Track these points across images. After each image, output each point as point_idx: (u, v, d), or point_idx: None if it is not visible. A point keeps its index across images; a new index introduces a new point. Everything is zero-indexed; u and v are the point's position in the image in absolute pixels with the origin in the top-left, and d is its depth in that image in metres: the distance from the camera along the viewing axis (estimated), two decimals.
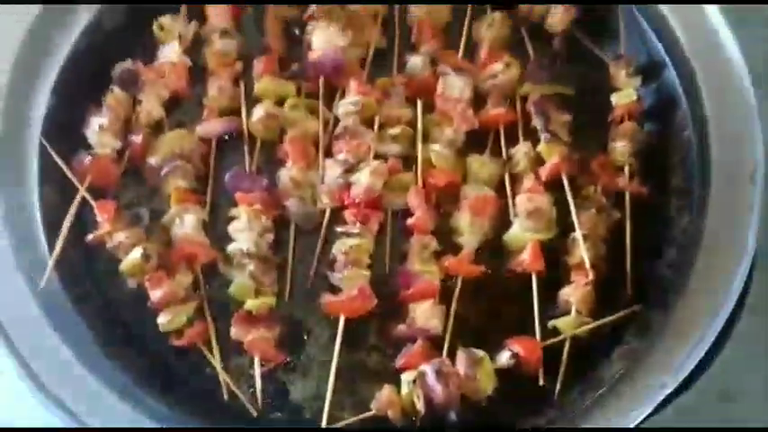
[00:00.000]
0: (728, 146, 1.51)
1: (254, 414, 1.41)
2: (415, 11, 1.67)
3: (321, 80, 1.59)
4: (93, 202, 1.47)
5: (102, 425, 1.33)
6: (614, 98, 1.59)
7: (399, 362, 1.42)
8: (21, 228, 1.46)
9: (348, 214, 1.50)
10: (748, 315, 1.55)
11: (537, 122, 1.57)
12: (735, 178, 1.48)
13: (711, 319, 1.38)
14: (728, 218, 1.46)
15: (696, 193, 1.49)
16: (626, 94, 1.58)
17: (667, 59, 1.58)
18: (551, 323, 1.44)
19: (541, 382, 1.40)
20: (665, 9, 1.59)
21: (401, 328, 1.45)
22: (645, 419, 1.33)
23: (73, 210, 1.46)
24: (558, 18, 1.65)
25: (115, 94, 1.56)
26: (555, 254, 1.50)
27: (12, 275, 1.42)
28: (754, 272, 1.54)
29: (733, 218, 1.46)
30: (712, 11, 1.57)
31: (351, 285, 1.44)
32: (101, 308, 1.46)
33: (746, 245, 1.43)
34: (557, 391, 1.40)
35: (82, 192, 1.47)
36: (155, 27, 1.63)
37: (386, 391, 1.38)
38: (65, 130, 1.54)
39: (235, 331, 1.43)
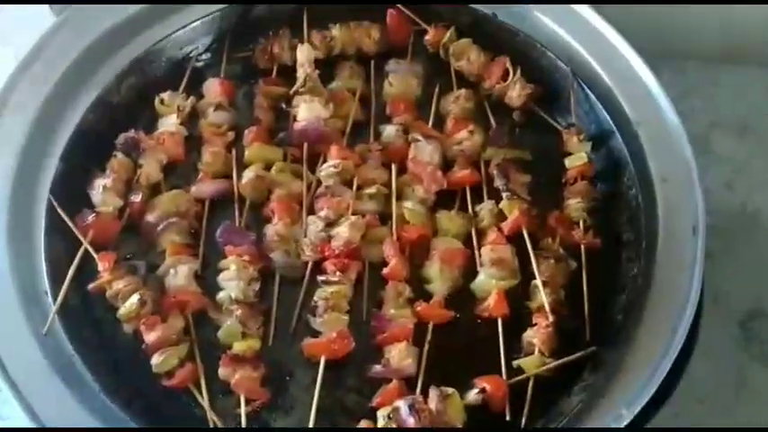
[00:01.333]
0: (672, 202, 1.69)
1: None
2: (389, 89, 1.87)
3: (305, 147, 1.76)
4: (95, 254, 1.61)
5: None
6: (568, 161, 1.77)
7: (376, 400, 1.52)
8: (26, 278, 1.60)
9: (329, 264, 1.63)
10: (700, 358, 1.68)
11: (499, 183, 1.73)
12: (678, 231, 1.65)
13: (661, 358, 1.51)
14: (674, 267, 1.62)
15: (644, 245, 1.64)
16: (578, 157, 1.76)
17: (614, 127, 1.77)
18: (516, 363, 1.55)
19: (507, 417, 1.50)
20: (610, 82, 1.81)
21: (377, 368, 1.55)
22: None
23: (76, 261, 1.59)
24: (516, 93, 1.85)
25: (118, 159, 1.72)
26: (518, 299, 1.63)
27: (17, 320, 1.54)
28: (702, 318, 1.69)
29: (678, 267, 1.61)
30: (652, 83, 1.78)
31: (331, 328, 1.56)
32: (99, 352, 1.56)
33: (691, 291, 1.57)
34: (522, 425, 1.50)
35: (85, 245, 1.61)
36: (156, 102, 1.81)
37: (362, 426, 1.48)
38: (71, 192, 1.69)
39: (222, 372, 1.53)
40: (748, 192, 1.89)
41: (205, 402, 1.52)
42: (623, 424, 1.44)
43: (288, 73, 1.89)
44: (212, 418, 1.51)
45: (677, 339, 1.53)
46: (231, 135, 1.81)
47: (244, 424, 1.50)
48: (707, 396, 1.63)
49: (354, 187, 1.73)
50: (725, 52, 2.19)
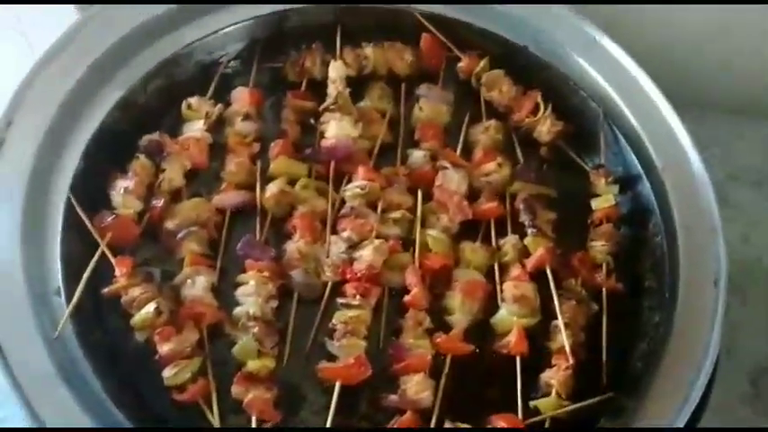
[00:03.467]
0: (695, 254, 1.68)
1: None
2: (419, 113, 1.85)
3: (332, 165, 1.74)
4: (112, 258, 1.56)
5: None
6: (594, 203, 1.76)
7: None
8: (37, 278, 1.55)
9: (349, 287, 1.60)
10: (711, 414, 1.67)
11: (524, 218, 1.72)
12: (700, 283, 1.65)
13: (679, 409, 1.49)
14: (695, 318, 1.61)
15: (666, 294, 1.64)
16: (605, 199, 1.75)
17: (642, 171, 1.76)
18: (533, 403, 1.53)
19: None
20: (640, 128, 1.81)
21: (393, 398, 1.52)
22: None
23: (93, 263, 1.54)
24: (545, 128, 1.84)
25: (141, 161, 1.68)
26: (537, 339, 1.61)
27: (26, 322, 1.49)
28: (716, 372, 1.68)
29: (699, 319, 1.60)
30: (680, 130, 1.78)
31: (348, 353, 1.53)
32: (109, 360, 1.51)
33: (710, 344, 1.57)
34: None
35: (102, 247, 1.56)
36: (183, 106, 1.78)
37: None
38: (90, 192, 1.64)
39: (235, 390, 1.49)
40: (765, 245, 1.90)
41: (215, 420, 1.48)
42: None
43: (316, 88, 1.86)
44: None
45: (695, 392, 1.52)
46: (257, 146, 1.77)
47: None
48: None
49: (379, 210, 1.70)
50: (744, 104, 2.22)
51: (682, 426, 1.48)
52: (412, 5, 1.92)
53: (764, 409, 1.71)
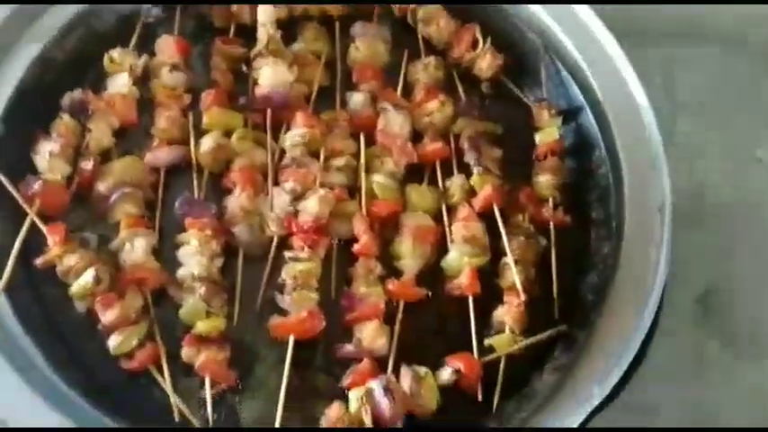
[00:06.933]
0: (639, 183, 1.69)
1: None
2: (356, 53, 1.79)
3: (269, 113, 1.66)
4: (42, 226, 1.48)
5: None
6: (538, 137, 1.74)
7: (346, 380, 1.48)
8: None
9: (296, 240, 1.56)
10: (660, 334, 1.71)
11: (470, 157, 1.69)
12: (645, 212, 1.65)
13: (630, 336, 1.52)
14: (641, 247, 1.62)
15: (612, 224, 1.65)
16: (548, 133, 1.73)
17: (585, 104, 1.75)
18: (487, 341, 1.54)
19: (480, 397, 1.49)
20: (581, 59, 1.78)
21: (348, 348, 1.51)
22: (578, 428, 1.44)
23: (22, 234, 1.46)
24: (486, 63, 1.80)
25: (65, 121, 1.58)
26: (489, 277, 1.61)
27: None
28: (665, 296, 1.71)
29: (645, 246, 1.62)
30: (623, 62, 1.76)
31: (300, 307, 1.50)
32: (50, 333, 1.45)
33: (658, 269, 1.59)
34: (495, 405, 1.49)
35: (31, 215, 1.48)
36: (105, 59, 1.67)
37: (335, 408, 1.43)
38: (11, 159, 1.55)
39: (186, 353, 1.45)
40: (707, 173, 1.91)
41: (167, 385, 1.44)
42: (596, 403, 1.45)
43: (246, 33, 1.77)
44: (175, 402, 1.43)
45: (646, 318, 1.54)
46: (187, 98, 1.69)
47: (209, 407, 1.43)
48: (667, 372, 1.66)
49: (321, 158, 1.65)
50: (685, 27, 2.19)
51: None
52: None
53: (714, 330, 1.74)
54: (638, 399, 1.62)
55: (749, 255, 1.83)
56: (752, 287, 1.80)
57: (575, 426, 1.42)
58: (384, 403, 1.41)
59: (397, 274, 1.59)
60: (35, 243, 1.50)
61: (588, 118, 1.74)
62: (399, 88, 1.77)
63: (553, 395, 1.47)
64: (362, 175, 1.65)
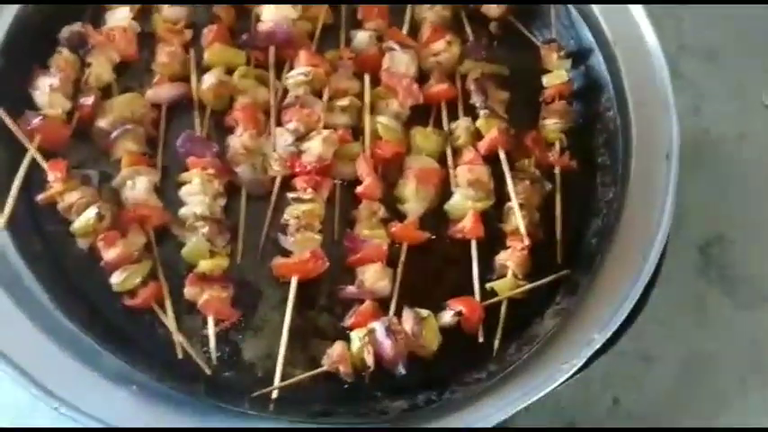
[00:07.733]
0: (647, 128, 1.66)
1: (209, 372, 1.43)
2: None
3: (271, 50, 1.63)
4: (43, 163, 1.46)
5: (55, 384, 1.33)
6: (546, 79, 1.71)
7: (349, 321, 1.49)
8: None
9: (299, 181, 1.55)
10: (661, 283, 1.71)
11: (476, 99, 1.66)
12: (653, 157, 1.63)
13: (632, 282, 1.51)
14: (647, 192, 1.60)
15: (619, 169, 1.63)
16: (557, 75, 1.70)
17: (594, 46, 1.71)
18: (489, 285, 1.54)
19: (481, 339, 1.50)
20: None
21: (351, 289, 1.51)
22: (576, 372, 1.45)
23: (23, 170, 1.44)
24: (494, 3, 1.76)
25: (64, 56, 1.55)
26: (492, 221, 1.60)
27: None
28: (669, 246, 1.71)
29: (651, 192, 1.60)
30: (634, 5, 1.72)
31: (303, 248, 1.50)
32: (53, 270, 1.45)
33: (663, 217, 1.58)
34: (495, 347, 1.50)
35: (32, 151, 1.46)
36: None
37: (337, 348, 1.44)
38: (10, 94, 1.51)
39: (188, 291, 1.45)
40: (714, 116, 1.89)
41: (170, 323, 1.45)
42: (595, 348, 1.46)
43: None
44: (178, 340, 1.44)
45: (648, 265, 1.53)
46: (188, 33, 1.66)
47: (212, 345, 1.44)
48: (667, 320, 1.67)
49: (325, 98, 1.62)
50: None
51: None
52: None
53: (715, 278, 1.75)
54: (638, 345, 1.64)
55: (753, 203, 1.83)
56: (754, 235, 1.80)
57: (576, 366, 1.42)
58: (386, 344, 1.42)
59: (400, 216, 1.58)
60: (36, 180, 1.48)
61: (598, 60, 1.70)
62: (405, 27, 1.73)
63: (553, 339, 1.48)
64: (367, 115, 1.62)
